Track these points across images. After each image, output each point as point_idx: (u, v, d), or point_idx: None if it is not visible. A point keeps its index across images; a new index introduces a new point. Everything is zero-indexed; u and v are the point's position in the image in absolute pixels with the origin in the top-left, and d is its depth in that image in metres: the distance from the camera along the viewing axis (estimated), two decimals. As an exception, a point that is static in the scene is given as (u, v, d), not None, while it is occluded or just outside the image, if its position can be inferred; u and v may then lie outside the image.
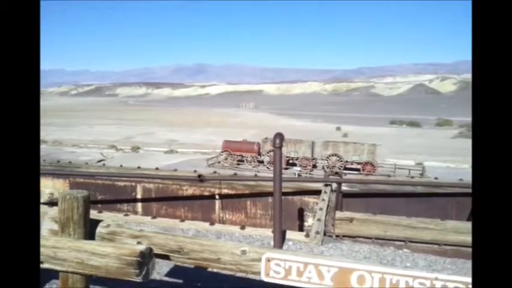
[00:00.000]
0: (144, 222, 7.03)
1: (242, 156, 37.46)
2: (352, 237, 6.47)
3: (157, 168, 10.40)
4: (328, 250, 5.86)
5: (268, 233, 6.25)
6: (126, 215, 7.61)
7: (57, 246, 2.67)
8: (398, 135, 66.14)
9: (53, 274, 2.70)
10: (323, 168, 33.79)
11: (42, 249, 2.59)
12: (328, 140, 38.14)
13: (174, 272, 4.89)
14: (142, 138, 56.37)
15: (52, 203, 7.87)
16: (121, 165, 11.15)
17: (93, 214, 6.34)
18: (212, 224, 6.93)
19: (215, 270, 3.96)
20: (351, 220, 6.44)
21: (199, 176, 8.74)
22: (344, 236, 6.47)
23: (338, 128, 72.40)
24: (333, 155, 35.32)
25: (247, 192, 9.01)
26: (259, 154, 37.40)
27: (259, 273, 2.69)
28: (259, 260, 2.68)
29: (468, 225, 6.27)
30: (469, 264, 5.64)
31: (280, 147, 5.81)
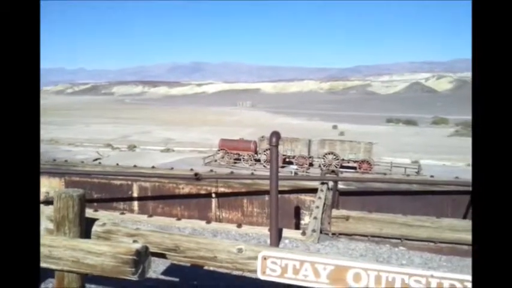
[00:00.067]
0: (140, 220, 7.02)
1: (239, 154, 37.47)
2: (349, 235, 6.49)
3: (153, 167, 10.38)
4: (324, 248, 5.87)
5: (264, 231, 6.25)
6: (122, 213, 7.58)
7: (53, 245, 2.65)
8: (394, 134, 66.35)
9: (49, 273, 2.69)
10: (319, 166, 33.87)
11: (38, 248, 2.58)
12: (325, 139, 38.23)
13: (170, 270, 4.89)
14: (139, 137, 56.30)
15: (48, 202, 7.84)
16: (117, 164, 11.12)
17: (89, 213, 6.32)
18: (209, 222, 6.92)
19: (211, 268, 3.96)
20: (347, 218, 6.45)
21: (196, 174, 8.72)
22: (340, 234, 6.48)
23: (334, 127, 72.57)
24: (329, 154, 35.40)
25: (243, 190, 9.01)
26: (256, 152, 37.43)
27: (255, 271, 2.69)
28: (256, 258, 2.68)
29: (464, 223, 6.30)
30: (464, 261, 5.67)
31: (277, 146, 5.80)
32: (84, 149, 43.99)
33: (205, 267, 4.31)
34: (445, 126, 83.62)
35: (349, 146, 35.35)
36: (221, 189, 9.13)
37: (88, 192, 9.80)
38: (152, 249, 2.80)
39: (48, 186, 9.96)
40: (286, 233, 6.16)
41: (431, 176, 9.33)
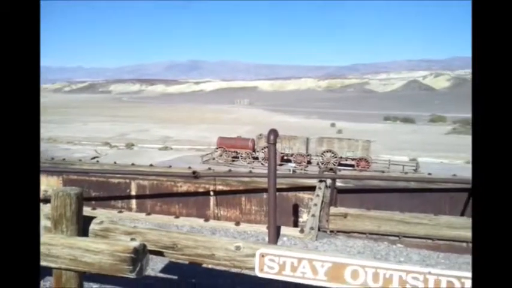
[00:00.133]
0: (138, 218, 7.02)
1: (237, 152, 37.47)
2: (347, 233, 6.50)
3: (151, 165, 10.38)
4: (322, 245, 5.88)
5: (262, 229, 6.26)
6: (120, 211, 7.58)
7: (51, 243, 2.65)
8: (392, 132, 66.45)
9: (47, 271, 2.69)
10: (318, 164, 33.89)
11: (35, 247, 2.58)
12: (323, 137, 38.25)
13: (168, 268, 4.89)
14: (137, 135, 56.23)
15: (46, 200, 7.83)
16: (115, 162, 11.11)
17: (87, 211, 6.31)
18: (207, 220, 6.93)
19: (210, 266, 3.96)
20: (345, 216, 6.46)
21: (194, 172, 8.73)
22: (338, 232, 6.49)
23: (332, 125, 72.62)
24: (327, 151, 35.43)
25: (241, 188, 9.02)
26: (254, 150, 37.44)
27: (253, 268, 2.69)
28: (253, 255, 2.68)
29: (461, 220, 6.32)
30: (462, 258, 5.69)
31: (275, 144, 5.81)
32: (82, 147, 43.92)
33: (204, 265, 4.32)
34: (443, 124, 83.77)
35: (347, 144, 35.40)
36: (219, 187, 9.14)
37: (86, 191, 9.79)
38: (150, 247, 2.80)
39: (46, 184, 9.94)
40: (285, 230, 6.17)
41: (429, 174, 9.35)
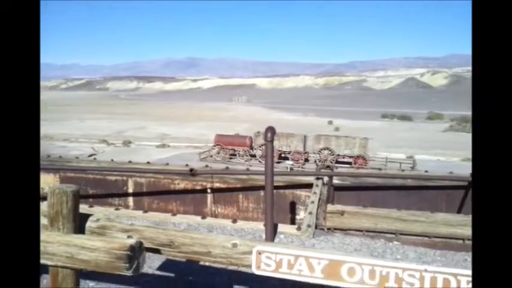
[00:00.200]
0: (135, 216, 7.01)
1: (234, 150, 37.44)
2: (344, 230, 6.51)
3: (148, 163, 10.36)
4: (319, 243, 5.89)
5: (260, 226, 6.27)
6: (118, 209, 7.57)
7: (47, 240, 2.65)
8: (389, 129, 66.54)
9: (43, 269, 2.69)
10: (315, 162, 33.91)
11: (31, 244, 2.57)
12: (320, 134, 38.24)
13: (165, 265, 4.89)
14: (134, 133, 56.10)
15: (42, 198, 7.81)
16: (112, 160, 11.09)
17: (84, 208, 6.31)
18: (204, 217, 6.92)
19: (207, 263, 3.97)
20: (342, 213, 6.47)
21: (191, 170, 8.71)
22: (335, 229, 6.51)
23: (330, 122, 72.65)
24: (324, 149, 35.44)
25: (239, 186, 9.01)
26: (252, 148, 37.42)
27: (250, 266, 2.70)
28: (250, 253, 2.68)
29: (458, 218, 6.34)
30: (458, 256, 5.71)
31: (272, 141, 5.81)
32: (79, 144, 43.78)
33: (201, 263, 4.32)
34: (440, 122, 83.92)
35: (345, 142, 35.40)
36: (216, 185, 9.13)
37: (83, 188, 9.77)
38: (147, 244, 2.80)
39: (42, 182, 9.88)
40: (282, 228, 6.18)
41: (426, 171, 9.37)
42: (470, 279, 2.29)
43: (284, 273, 2.62)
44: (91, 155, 30.35)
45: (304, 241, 5.84)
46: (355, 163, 33.98)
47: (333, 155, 34.98)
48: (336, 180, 8.15)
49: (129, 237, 2.80)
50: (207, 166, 10.16)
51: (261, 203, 8.71)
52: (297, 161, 35.72)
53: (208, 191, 9.20)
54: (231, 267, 4.31)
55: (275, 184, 6.21)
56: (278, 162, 33.13)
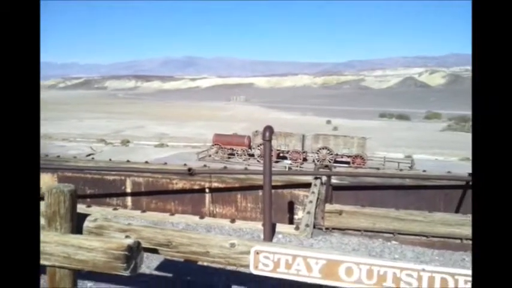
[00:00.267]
0: (133, 216, 7.00)
1: (233, 149, 37.45)
2: (342, 230, 6.51)
3: (146, 162, 10.34)
4: (317, 243, 5.89)
5: (258, 226, 6.26)
6: (116, 209, 7.56)
7: (44, 240, 2.63)
8: (387, 128, 66.65)
9: (41, 269, 2.68)
10: (313, 161, 33.94)
11: (28, 244, 2.56)
12: (319, 133, 38.31)
13: (163, 265, 4.88)
14: (132, 132, 56.06)
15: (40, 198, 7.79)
16: (110, 159, 11.07)
17: (82, 208, 6.30)
18: (202, 217, 6.91)
19: (205, 263, 3.96)
20: (340, 213, 6.47)
21: (189, 169, 8.70)
22: (333, 229, 6.51)
23: (328, 121, 72.75)
24: (323, 148, 35.48)
25: (237, 185, 9.01)
26: (250, 147, 37.43)
27: (248, 266, 2.69)
28: (248, 252, 2.68)
29: (456, 217, 6.35)
30: (456, 255, 5.72)
31: (270, 140, 5.80)
32: (77, 144, 43.73)
33: (199, 263, 4.32)
34: (438, 121, 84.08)
35: (343, 141, 35.45)
36: (215, 184, 9.13)
37: (81, 188, 9.75)
38: (144, 244, 2.79)
39: (40, 182, 9.89)
40: (280, 227, 6.17)
41: (424, 171, 9.38)
42: (468, 278, 2.29)
43: (282, 273, 2.62)
44: (89, 155, 30.33)
45: (303, 241, 5.84)
46: (353, 162, 34.03)
47: (331, 154, 35.02)
48: (334, 180, 8.15)
49: (126, 237, 2.79)
50: (205, 166, 10.16)
51: (259, 202, 8.71)
52: (295, 160, 35.75)
53: (207, 190, 9.19)
54: (229, 267, 4.31)
55: (273, 184, 6.21)
56: (276, 162, 33.14)
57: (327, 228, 6.52)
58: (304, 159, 36.32)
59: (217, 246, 2.78)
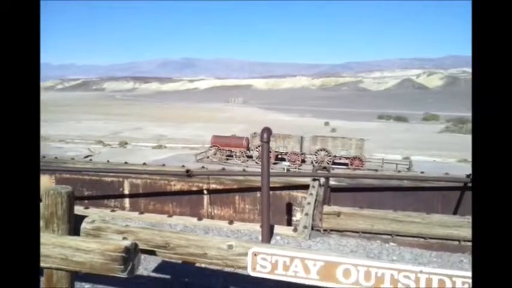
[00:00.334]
0: (131, 217, 6.98)
1: (231, 151, 37.44)
2: (340, 231, 6.51)
3: (144, 164, 10.33)
4: (315, 244, 5.89)
5: (256, 227, 6.25)
6: (113, 210, 7.54)
7: (41, 242, 2.62)
8: (385, 130, 66.75)
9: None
10: (311, 163, 33.95)
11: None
12: (317, 135, 38.33)
13: (161, 267, 4.87)
14: (130, 134, 56.00)
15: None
16: (108, 161, 11.05)
17: (80, 210, 6.28)
18: (200, 219, 6.91)
19: (202, 265, 3.95)
20: (338, 214, 6.47)
21: (187, 171, 8.69)
22: (332, 230, 6.50)
23: (326, 123, 72.82)
24: (321, 150, 35.51)
25: (235, 187, 9.00)
26: (248, 149, 37.42)
27: (245, 267, 2.69)
28: (246, 254, 2.67)
29: (454, 219, 6.35)
30: (454, 257, 5.72)
31: (268, 142, 5.80)
32: (75, 145, 43.66)
33: (197, 264, 4.31)
34: (436, 123, 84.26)
35: (341, 143, 35.49)
36: (213, 186, 9.12)
37: (79, 190, 9.73)
38: (142, 246, 2.79)
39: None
40: (278, 229, 6.17)
41: (422, 172, 9.39)
42: (466, 280, 2.29)
43: (280, 275, 2.61)
44: (87, 156, 30.24)
45: (301, 242, 5.84)
46: (351, 164, 34.06)
47: (330, 156, 35.05)
48: (332, 182, 8.16)
49: (124, 238, 2.79)
50: (203, 167, 10.14)
51: (258, 204, 8.70)
52: (294, 162, 35.77)
53: (205, 192, 9.18)
54: (227, 269, 4.31)
55: (271, 185, 6.20)
56: (275, 163, 33.15)
57: (325, 230, 6.52)
58: (303, 161, 36.34)
59: (215, 248, 2.77)
